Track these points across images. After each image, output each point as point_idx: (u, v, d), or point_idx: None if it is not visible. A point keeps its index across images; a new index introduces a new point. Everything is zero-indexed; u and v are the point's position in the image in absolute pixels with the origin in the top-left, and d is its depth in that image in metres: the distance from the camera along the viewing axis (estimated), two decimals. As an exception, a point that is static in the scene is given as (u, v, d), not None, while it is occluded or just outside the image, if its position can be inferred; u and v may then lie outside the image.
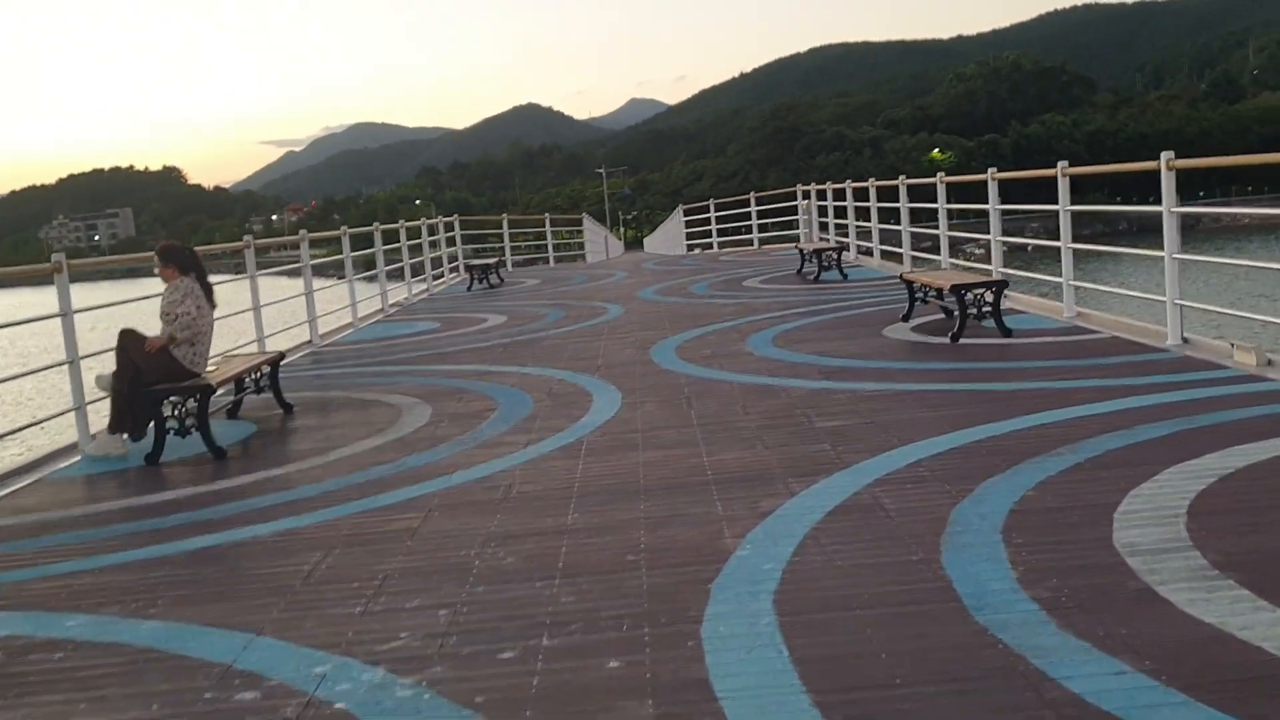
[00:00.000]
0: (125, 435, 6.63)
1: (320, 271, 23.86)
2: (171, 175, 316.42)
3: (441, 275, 20.92)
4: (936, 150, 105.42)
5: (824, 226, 20.54)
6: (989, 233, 10.76)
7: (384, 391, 8.40)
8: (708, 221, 27.30)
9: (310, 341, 12.31)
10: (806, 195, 21.48)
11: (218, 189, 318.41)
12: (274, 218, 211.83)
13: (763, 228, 25.22)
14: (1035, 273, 12.65)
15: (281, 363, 8.26)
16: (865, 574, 3.61)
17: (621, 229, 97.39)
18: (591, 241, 32.64)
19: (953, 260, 12.57)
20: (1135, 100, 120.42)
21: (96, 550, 4.69)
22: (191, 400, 6.39)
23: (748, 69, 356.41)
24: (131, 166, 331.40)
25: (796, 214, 23.03)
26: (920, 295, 9.67)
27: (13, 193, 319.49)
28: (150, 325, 7.00)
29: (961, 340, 8.33)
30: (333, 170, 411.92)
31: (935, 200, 12.57)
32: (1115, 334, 8.10)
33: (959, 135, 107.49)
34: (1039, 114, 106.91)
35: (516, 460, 5.70)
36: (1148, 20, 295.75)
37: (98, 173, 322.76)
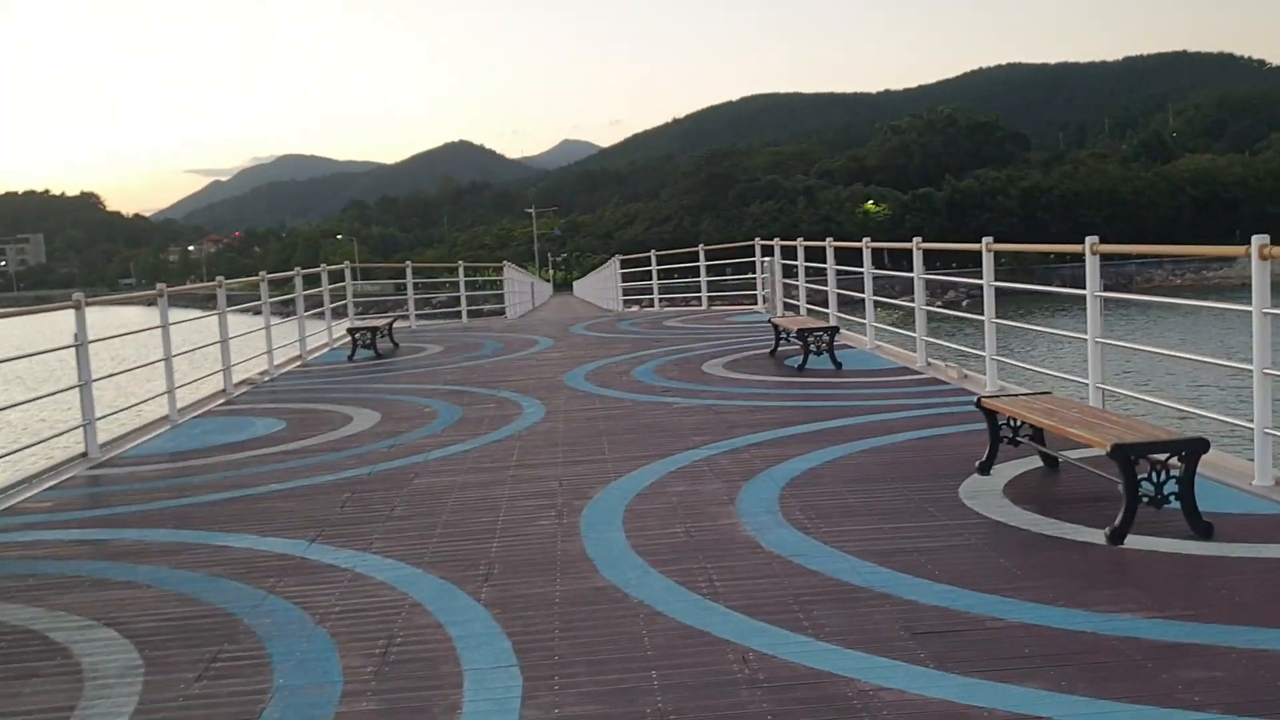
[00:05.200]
0: None
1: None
2: (89, 201, 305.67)
3: (326, 336, 17.03)
4: (870, 202, 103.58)
5: (788, 289, 17.14)
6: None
7: (92, 623, 4.59)
8: (648, 275, 23.85)
9: (85, 454, 8.43)
10: (768, 252, 17.88)
11: (137, 217, 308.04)
12: (190, 248, 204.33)
13: (713, 284, 21.83)
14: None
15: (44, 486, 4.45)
16: None
17: (551, 270, 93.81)
18: (513, 293, 28.89)
19: (998, 358, 9.13)
20: (1068, 158, 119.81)
21: None
22: None
23: (680, 115, 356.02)
24: (47, 191, 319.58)
25: (752, 271, 19.68)
26: (1007, 433, 6.18)
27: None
28: None
29: (1126, 541, 4.80)
30: (259, 201, 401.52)
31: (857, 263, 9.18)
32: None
33: (893, 188, 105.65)
34: (973, 169, 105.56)
35: None
36: (1069, 81, 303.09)
37: (10, 196, 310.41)
